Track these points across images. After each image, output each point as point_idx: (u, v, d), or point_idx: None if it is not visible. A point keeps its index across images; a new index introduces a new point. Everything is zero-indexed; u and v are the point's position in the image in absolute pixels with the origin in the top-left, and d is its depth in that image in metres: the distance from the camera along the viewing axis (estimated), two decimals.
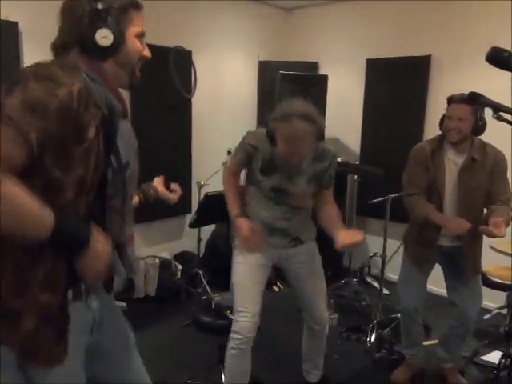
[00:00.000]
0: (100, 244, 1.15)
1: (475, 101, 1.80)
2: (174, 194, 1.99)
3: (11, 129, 1.00)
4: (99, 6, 1.19)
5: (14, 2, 2.91)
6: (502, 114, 1.73)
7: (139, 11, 1.28)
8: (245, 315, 2.18)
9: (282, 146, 2.05)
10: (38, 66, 1.11)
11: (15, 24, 2.97)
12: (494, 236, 2.09)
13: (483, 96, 1.79)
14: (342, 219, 2.30)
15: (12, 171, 1.00)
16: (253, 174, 2.24)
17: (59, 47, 1.24)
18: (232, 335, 2.20)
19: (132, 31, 1.25)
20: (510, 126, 1.77)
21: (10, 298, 1.11)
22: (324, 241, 2.29)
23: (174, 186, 2.01)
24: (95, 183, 1.16)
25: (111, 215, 1.25)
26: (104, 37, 1.18)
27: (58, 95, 1.04)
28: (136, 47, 1.27)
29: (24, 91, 1.03)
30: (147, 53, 1.32)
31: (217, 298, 2.38)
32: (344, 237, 2.02)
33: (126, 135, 1.30)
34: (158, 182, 1.95)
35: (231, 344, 2.20)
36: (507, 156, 2.41)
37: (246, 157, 2.22)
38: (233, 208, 2.25)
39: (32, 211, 1.02)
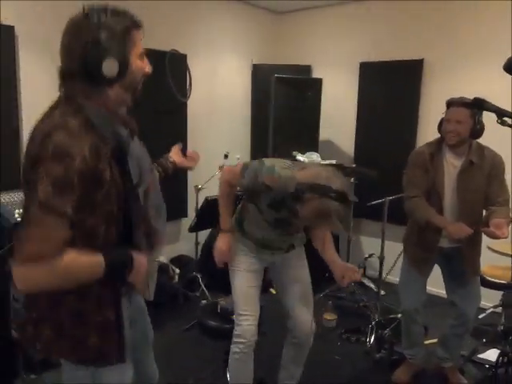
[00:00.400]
0: (139, 260, 1.34)
1: (480, 106, 1.84)
2: (191, 161, 1.96)
3: (52, 215, 1.14)
4: (103, 34, 1.20)
5: (10, 5, 2.89)
6: (506, 119, 1.79)
7: (139, 30, 1.30)
8: (247, 318, 2.18)
9: (306, 213, 1.88)
10: (49, 138, 1.17)
11: (11, 28, 2.94)
12: (496, 237, 2.12)
13: (487, 102, 1.83)
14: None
15: (65, 244, 1.18)
16: (257, 200, 2.14)
17: (66, 74, 1.26)
18: (235, 339, 2.20)
19: (135, 53, 1.29)
20: (509, 128, 1.82)
21: (72, 327, 1.29)
22: None
23: (190, 152, 1.97)
24: (121, 209, 1.29)
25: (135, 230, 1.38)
26: (110, 67, 1.21)
27: (76, 167, 1.15)
28: (139, 68, 1.31)
29: (48, 175, 1.14)
30: (148, 69, 1.35)
31: (222, 302, 2.37)
32: (343, 274, 2.06)
33: (135, 154, 1.36)
34: (175, 153, 1.93)
35: (234, 349, 2.20)
36: (507, 158, 2.45)
37: (252, 188, 2.07)
38: (224, 222, 2.26)
39: (88, 267, 1.24)
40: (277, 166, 1.97)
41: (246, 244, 2.27)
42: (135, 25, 1.29)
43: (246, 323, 2.18)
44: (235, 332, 2.20)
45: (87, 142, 1.18)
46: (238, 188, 2.22)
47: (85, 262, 1.23)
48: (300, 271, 2.34)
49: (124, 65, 1.24)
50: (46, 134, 1.18)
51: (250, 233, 2.26)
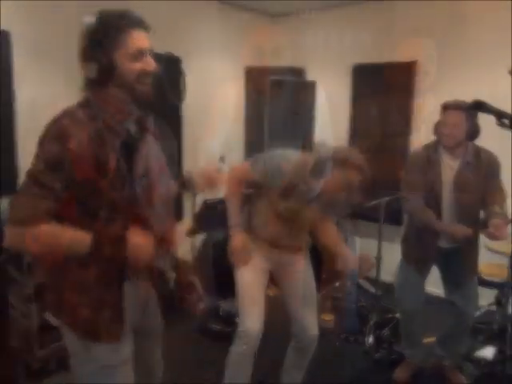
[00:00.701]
0: (137, 236, 1.32)
1: (479, 108, 1.87)
2: (213, 183, 1.82)
3: (39, 187, 1.25)
4: (86, 40, 1.30)
5: (6, 10, 2.85)
6: (505, 121, 1.82)
7: (131, 30, 1.32)
8: (252, 317, 2.15)
9: (330, 187, 1.95)
10: (54, 123, 1.29)
11: (7, 33, 2.91)
12: (496, 238, 2.15)
13: (487, 104, 1.86)
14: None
15: (48, 215, 1.26)
16: (267, 192, 2.14)
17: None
18: (238, 338, 2.16)
19: (123, 54, 1.31)
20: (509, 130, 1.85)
21: (70, 296, 1.37)
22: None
23: (211, 173, 1.82)
24: (126, 200, 1.34)
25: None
26: (90, 70, 1.30)
27: (70, 147, 1.24)
28: (129, 68, 1.33)
29: (43, 153, 1.26)
30: (149, 67, 1.37)
31: (223, 304, 2.37)
32: (359, 265, 2.08)
33: (144, 152, 1.40)
34: (199, 174, 1.82)
35: (235, 348, 2.16)
36: (508, 160, 2.47)
37: (263, 180, 2.09)
38: (232, 218, 2.23)
39: (67, 237, 1.29)
40: (287, 154, 2.04)
41: (254, 243, 2.24)
42: (126, 25, 1.31)
43: (251, 322, 2.14)
44: (238, 329, 2.16)
45: (88, 128, 1.28)
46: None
47: (64, 233, 1.29)
48: (305, 275, 2.34)
49: (107, 67, 1.30)
50: (54, 119, 1.31)
51: (259, 232, 2.24)
